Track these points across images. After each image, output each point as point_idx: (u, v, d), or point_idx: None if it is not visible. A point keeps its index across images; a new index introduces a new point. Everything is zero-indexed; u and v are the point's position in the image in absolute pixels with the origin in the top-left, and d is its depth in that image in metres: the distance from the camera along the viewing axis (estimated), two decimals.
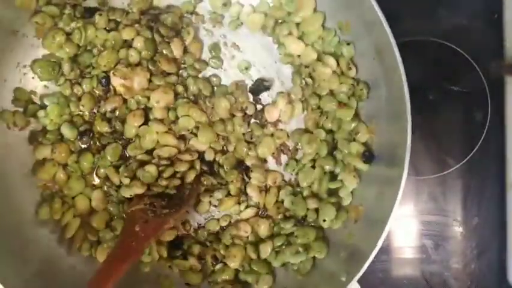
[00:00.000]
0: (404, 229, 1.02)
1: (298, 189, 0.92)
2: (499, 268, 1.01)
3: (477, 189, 1.02)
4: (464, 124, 1.02)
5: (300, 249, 0.87)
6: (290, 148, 0.93)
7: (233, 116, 0.92)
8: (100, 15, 0.89)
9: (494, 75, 1.00)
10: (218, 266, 0.91)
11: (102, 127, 0.90)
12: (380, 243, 0.75)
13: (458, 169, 1.01)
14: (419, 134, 0.99)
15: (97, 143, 0.91)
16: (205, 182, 0.91)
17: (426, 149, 1.01)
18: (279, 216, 0.91)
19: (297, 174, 0.93)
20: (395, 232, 1.01)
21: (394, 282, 0.99)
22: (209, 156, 0.91)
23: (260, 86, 0.92)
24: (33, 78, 0.88)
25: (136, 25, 0.90)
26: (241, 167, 0.92)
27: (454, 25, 1.02)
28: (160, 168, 0.87)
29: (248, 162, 0.92)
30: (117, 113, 0.91)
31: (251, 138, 0.92)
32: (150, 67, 0.89)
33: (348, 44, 0.89)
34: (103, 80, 0.89)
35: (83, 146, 0.91)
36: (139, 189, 0.86)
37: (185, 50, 0.92)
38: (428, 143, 1.01)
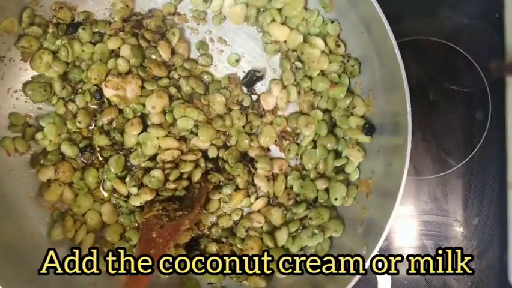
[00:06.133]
0: (405, 229, 1.02)
1: (305, 173, 0.93)
2: (500, 268, 1.01)
3: (478, 189, 1.02)
4: (464, 124, 1.02)
5: (316, 231, 0.88)
6: (292, 134, 0.93)
7: (230, 110, 0.92)
8: (83, 29, 0.89)
9: (495, 75, 1.01)
10: None
11: (101, 140, 0.90)
12: (395, 213, 0.75)
13: (459, 169, 1.01)
14: (419, 134, 1.01)
15: (99, 157, 0.91)
16: (212, 180, 0.91)
17: (427, 149, 1.02)
18: (290, 202, 0.92)
19: (301, 158, 0.93)
20: (396, 232, 1.02)
21: (394, 282, 0.98)
22: (212, 153, 0.91)
23: (253, 78, 0.92)
24: (26, 101, 0.88)
25: (121, 33, 0.90)
26: (245, 159, 0.92)
27: (455, 25, 1.02)
28: (166, 172, 0.87)
29: (252, 154, 0.92)
30: (114, 124, 0.90)
31: (251, 129, 0.92)
32: (141, 74, 0.89)
33: (332, 22, 0.89)
34: (96, 94, 0.89)
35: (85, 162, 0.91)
36: (148, 196, 0.86)
37: (173, 52, 0.92)
38: (428, 143, 1.02)
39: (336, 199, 0.88)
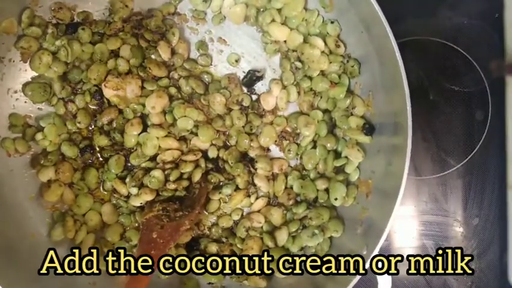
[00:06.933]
0: (405, 229, 1.02)
1: (305, 173, 0.93)
2: (500, 268, 1.01)
3: (478, 189, 1.02)
4: (464, 124, 1.02)
5: (316, 231, 0.88)
6: (292, 134, 0.93)
7: (230, 110, 0.92)
8: (83, 29, 0.88)
9: (495, 75, 1.00)
10: None
11: (101, 141, 0.90)
12: (395, 213, 0.75)
13: (459, 169, 1.01)
14: (419, 134, 1.01)
15: (99, 157, 0.91)
16: (212, 180, 0.91)
17: (427, 149, 1.01)
18: (291, 202, 0.92)
19: (301, 158, 0.93)
20: (396, 232, 1.02)
21: (394, 282, 0.98)
22: (212, 153, 0.91)
23: (253, 77, 0.92)
24: (26, 102, 0.88)
25: (120, 34, 0.90)
26: (245, 159, 0.92)
27: (455, 25, 1.02)
28: (166, 172, 0.87)
29: (252, 154, 0.92)
30: (114, 124, 0.90)
31: (251, 129, 0.92)
32: (140, 74, 0.89)
33: (332, 22, 0.89)
34: (96, 94, 0.89)
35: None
36: (148, 196, 0.86)
37: (172, 52, 0.92)
38: (428, 143, 1.01)
39: (336, 199, 0.88)
